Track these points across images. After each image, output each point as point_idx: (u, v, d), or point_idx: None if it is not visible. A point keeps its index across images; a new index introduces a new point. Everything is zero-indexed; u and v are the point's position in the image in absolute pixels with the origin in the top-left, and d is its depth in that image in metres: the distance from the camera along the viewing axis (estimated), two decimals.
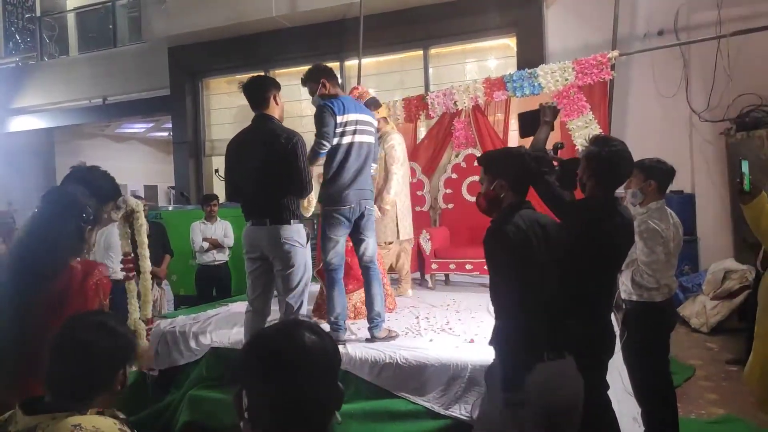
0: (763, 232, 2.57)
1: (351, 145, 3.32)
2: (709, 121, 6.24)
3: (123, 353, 1.47)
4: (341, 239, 3.40)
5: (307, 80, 3.44)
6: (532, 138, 2.67)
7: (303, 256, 3.19)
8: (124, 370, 1.47)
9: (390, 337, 3.39)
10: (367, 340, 3.32)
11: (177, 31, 8.31)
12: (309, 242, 3.29)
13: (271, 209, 3.12)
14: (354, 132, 3.33)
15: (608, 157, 2.23)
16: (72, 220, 1.92)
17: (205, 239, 5.92)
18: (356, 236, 3.46)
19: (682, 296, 5.96)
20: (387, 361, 3.04)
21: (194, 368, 3.62)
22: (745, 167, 2.61)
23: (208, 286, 5.99)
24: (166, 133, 12.30)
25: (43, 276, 1.86)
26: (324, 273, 3.47)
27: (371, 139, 3.46)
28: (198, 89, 9.02)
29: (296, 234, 3.14)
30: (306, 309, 3.31)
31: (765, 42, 5.57)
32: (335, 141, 3.28)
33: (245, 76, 3.36)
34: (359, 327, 3.61)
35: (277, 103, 3.20)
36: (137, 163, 13.35)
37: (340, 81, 8.14)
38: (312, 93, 3.43)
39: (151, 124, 12.41)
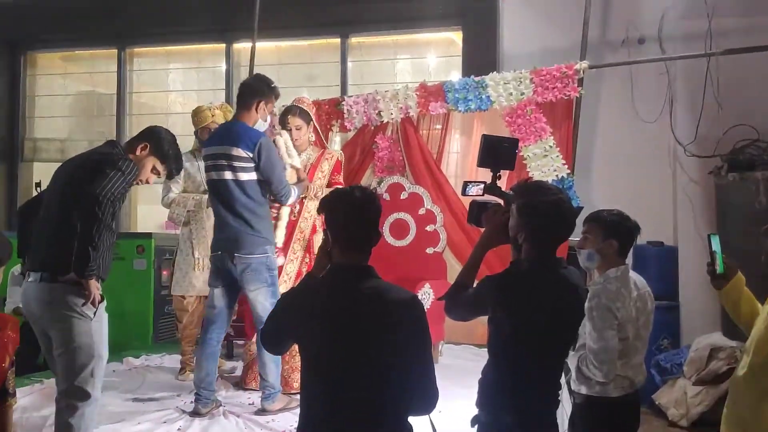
0: (744, 321, 2.74)
1: None
2: (696, 155, 6.64)
3: None
4: None
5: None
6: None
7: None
8: None
9: (288, 408, 3.94)
10: (259, 412, 4.02)
11: None
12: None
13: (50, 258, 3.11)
14: None
15: (545, 209, 2.30)
16: None
17: None
18: None
19: (659, 379, 6.27)
20: None
21: None
22: (715, 244, 2.72)
23: None
24: None
25: None
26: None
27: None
28: (18, 66, 8.71)
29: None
30: None
31: (762, 63, 6.07)
32: None
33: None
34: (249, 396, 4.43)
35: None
36: None
37: (225, 68, 8.13)
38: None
39: None
